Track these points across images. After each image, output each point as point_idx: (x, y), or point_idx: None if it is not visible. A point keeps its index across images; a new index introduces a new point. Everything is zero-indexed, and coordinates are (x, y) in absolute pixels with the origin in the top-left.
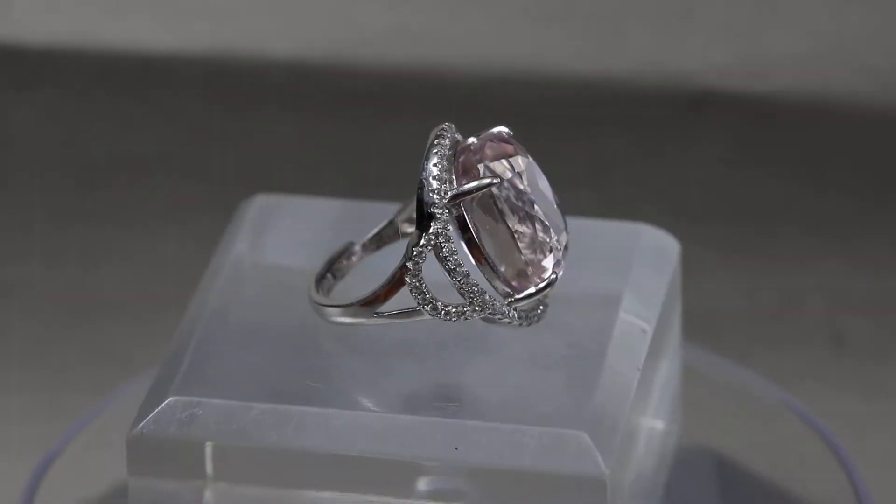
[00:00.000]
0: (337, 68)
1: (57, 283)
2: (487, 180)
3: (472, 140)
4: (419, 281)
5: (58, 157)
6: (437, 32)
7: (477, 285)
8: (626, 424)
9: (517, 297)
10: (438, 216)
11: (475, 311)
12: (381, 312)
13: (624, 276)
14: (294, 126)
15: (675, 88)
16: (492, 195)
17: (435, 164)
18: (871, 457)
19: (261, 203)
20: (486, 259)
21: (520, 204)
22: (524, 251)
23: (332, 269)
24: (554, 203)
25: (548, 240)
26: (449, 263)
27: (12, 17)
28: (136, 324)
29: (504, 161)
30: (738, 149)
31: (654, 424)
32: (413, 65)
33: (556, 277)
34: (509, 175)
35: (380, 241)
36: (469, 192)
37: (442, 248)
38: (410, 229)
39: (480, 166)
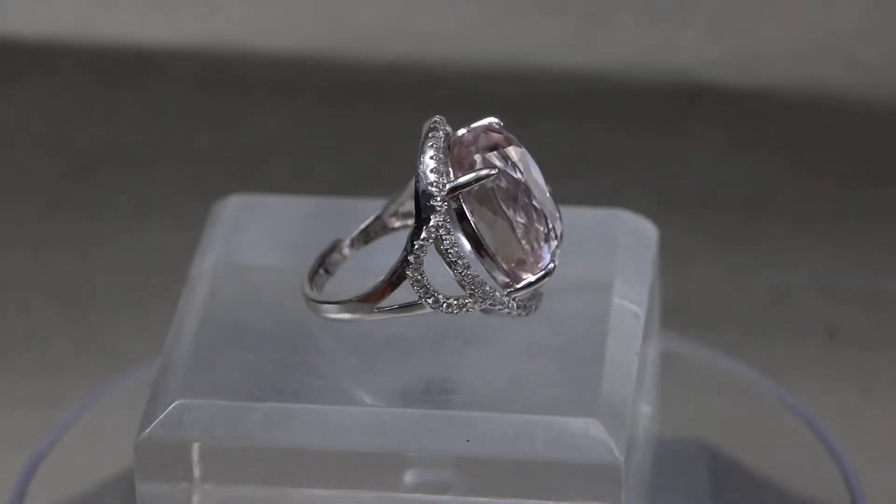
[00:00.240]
0: (329, 62)
1: (48, 275)
2: (485, 171)
3: (462, 132)
4: (421, 274)
5: (49, 149)
6: (430, 26)
7: (478, 276)
8: (631, 411)
9: (517, 286)
10: (438, 209)
11: (476, 302)
12: (382, 307)
13: (610, 263)
14: (286, 118)
15: (668, 82)
16: (488, 186)
17: (431, 157)
18: (862, 449)
19: (235, 203)
20: (485, 250)
21: (516, 194)
22: (522, 241)
23: (325, 265)
24: (547, 192)
25: (544, 229)
26: (450, 256)
27: (2, 9)
28: (129, 315)
29: (499, 151)
30: (731, 142)
31: (645, 410)
32: (405, 58)
33: (555, 266)
34: (507, 165)
35: (367, 236)
36: (467, 183)
37: (443, 240)
38: (398, 224)
39: (477, 157)
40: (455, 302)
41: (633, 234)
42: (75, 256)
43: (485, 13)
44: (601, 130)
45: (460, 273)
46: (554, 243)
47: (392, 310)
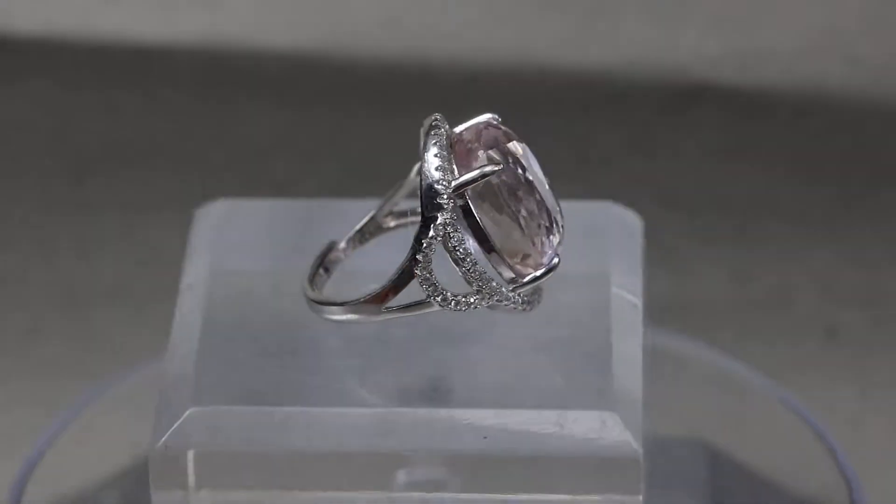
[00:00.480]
0: (329, 59)
1: (47, 273)
2: (490, 168)
3: (461, 129)
4: (430, 273)
5: (49, 147)
6: (429, 23)
7: (485, 273)
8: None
9: (523, 281)
10: (445, 206)
11: (484, 298)
12: (390, 307)
13: (603, 254)
14: (286, 116)
15: (667, 81)
16: (493, 182)
17: (435, 155)
18: (861, 448)
19: (218, 209)
20: (492, 246)
21: (519, 189)
22: (526, 235)
23: (324, 264)
24: (546, 185)
25: (546, 223)
26: (458, 253)
27: (2, 6)
28: (129, 314)
29: (501, 147)
30: (731, 141)
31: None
32: (405, 56)
33: (559, 261)
34: (508, 161)
35: (362, 237)
36: (473, 180)
37: (450, 238)
38: (393, 223)
39: (481, 153)
40: (463, 299)
41: (621, 225)
42: (75, 255)
43: (485, 11)
44: (601, 129)
45: (468, 270)
46: (557, 237)
47: (399, 309)
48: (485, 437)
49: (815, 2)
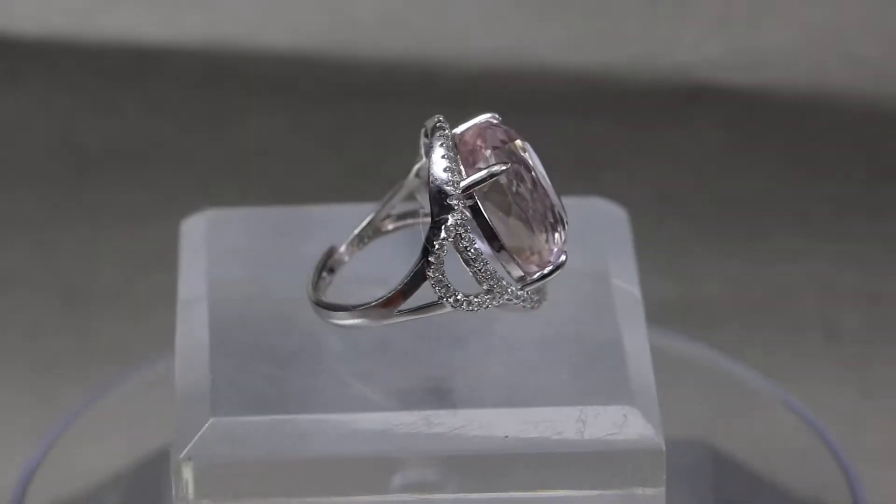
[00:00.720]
0: (330, 59)
1: (48, 273)
2: (497, 167)
3: (461, 130)
4: (442, 274)
5: (49, 147)
6: (430, 23)
7: (496, 272)
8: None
9: (532, 279)
10: (456, 207)
11: (495, 298)
12: (402, 310)
13: (596, 248)
14: (286, 116)
15: (668, 81)
16: (499, 181)
17: (443, 157)
18: (862, 447)
19: (204, 220)
20: (501, 245)
21: (525, 187)
22: (533, 233)
23: (326, 269)
24: (549, 182)
25: (552, 220)
26: (469, 253)
27: (3, 7)
28: (130, 314)
29: (506, 146)
30: (732, 141)
31: None
32: (406, 56)
33: (566, 258)
34: (514, 159)
35: (361, 241)
36: (482, 180)
37: (462, 238)
38: (391, 226)
39: (487, 153)
40: (476, 300)
41: (609, 219)
42: (75, 255)
43: (485, 12)
44: (602, 129)
45: (479, 269)
46: (563, 235)
47: (411, 311)
48: (506, 437)
49: (815, 2)
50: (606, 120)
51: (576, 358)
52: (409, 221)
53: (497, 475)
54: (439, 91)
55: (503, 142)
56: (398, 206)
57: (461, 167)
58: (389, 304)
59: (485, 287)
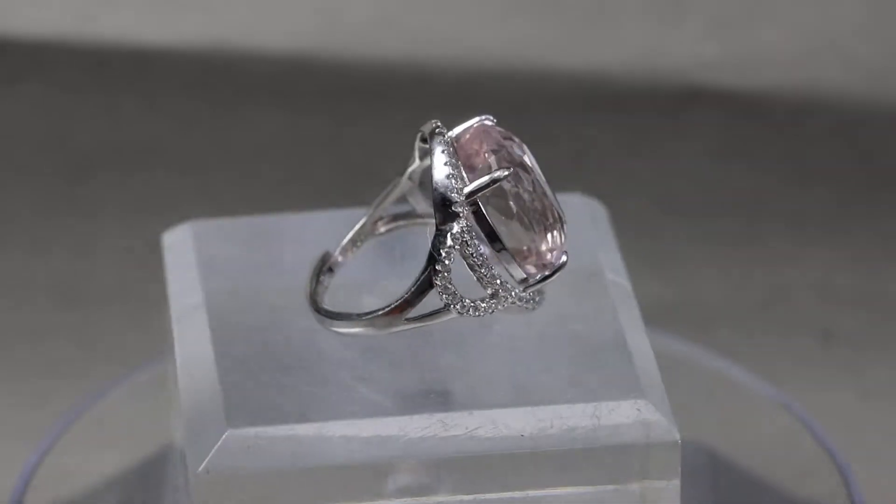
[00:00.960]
0: (326, 61)
1: (46, 275)
2: (499, 173)
3: (456, 133)
4: (449, 282)
5: (48, 149)
6: (426, 25)
7: (500, 276)
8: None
9: (534, 280)
10: (461, 214)
11: (500, 302)
12: (409, 317)
13: (586, 244)
14: (283, 118)
15: (664, 83)
16: (505, 188)
17: (445, 163)
18: (859, 450)
19: (186, 232)
20: (505, 248)
21: (524, 190)
22: (534, 235)
23: (322, 276)
24: (546, 183)
25: (551, 221)
26: (476, 259)
27: (0, 8)
28: (128, 315)
29: (505, 149)
30: (727, 144)
31: None
32: (401, 58)
33: (567, 259)
34: (514, 163)
35: (354, 245)
36: (485, 186)
37: (468, 245)
38: (384, 229)
39: (487, 156)
40: (483, 304)
41: (592, 215)
42: (75, 255)
43: (482, 13)
44: (597, 131)
45: (484, 275)
46: (561, 234)
47: (418, 318)
48: (522, 436)
49: (811, 5)
50: (602, 122)
51: (581, 355)
52: (402, 224)
53: (514, 474)
54: (435, 92)
55: (501, 144)
56: (390, 209)
57: (463, 173)
58: (395, 312)
59: (489, 291)
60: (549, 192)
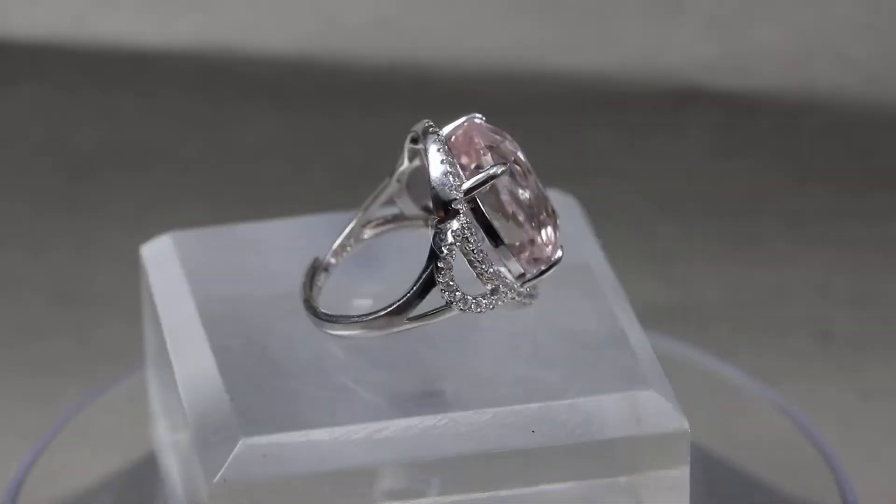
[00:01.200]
0: (324, 63)
1: (45, 275)
2: (496, 169)
3: (447, 131)
4: (451, 279)
5: (47, 149)
6: (423, 27)
7: (499, 272)
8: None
9: (534, 273)
10: (461, 211)
11: (500, 298)
12: (412, 317)
13: (567, 240)
14: (281, 119)
15: (662, 83)
16: (496, 182)
17: (442, 162)
18: (855, 451)
19: (165, 243)
20: (503, 244)
21: (518, 186)
22: (529, 231)
23: (315, 280)
24: (538, 179)
25: (545, 216)
26: (476, 255)
27: None
28: (126, 315)
29: (499, 147)
30: (724, 144)
31: None
32: (400, 59)
33: (563, 253)
34: (509, 159)
35: (343, 249)
36: (483, 182)
37: (469, 241)
38: (370, 234)
39: (482, 154)
40: (484, 301)
41: (568, 210)
42: (72, 256)
43: (481, 14)
44: (594, 131)
45: (485, 270)
46: (556, 230)
47: (420, 318)
48: (533, 431)
49: (809, 5)
50: (599, 123)
51: (583, 348)
52: (391, 226)
53: (525, 470)
54: (434, 93)
55: (496, 142)
56: (378, 212)
57: (460, 170)
58: (399, 311)
59: (489, 287)
60: (541, 188)
